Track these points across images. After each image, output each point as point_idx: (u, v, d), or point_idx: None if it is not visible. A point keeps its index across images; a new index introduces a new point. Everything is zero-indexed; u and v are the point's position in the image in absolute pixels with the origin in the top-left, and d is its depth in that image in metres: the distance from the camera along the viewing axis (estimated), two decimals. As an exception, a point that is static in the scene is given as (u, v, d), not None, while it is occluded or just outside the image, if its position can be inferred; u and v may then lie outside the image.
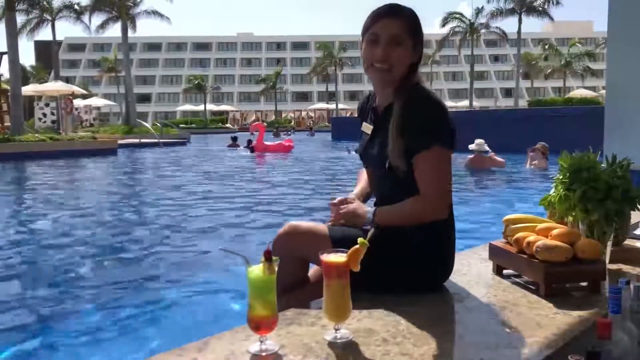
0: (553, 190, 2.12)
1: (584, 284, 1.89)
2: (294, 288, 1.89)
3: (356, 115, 2.11)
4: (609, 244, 2.08)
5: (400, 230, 1.83)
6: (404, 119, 1.76)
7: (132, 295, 3.63)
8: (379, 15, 1.79)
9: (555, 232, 1.88)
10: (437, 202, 1.77)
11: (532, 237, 1.88)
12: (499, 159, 11.28)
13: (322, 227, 1.88)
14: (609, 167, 2.10)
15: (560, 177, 2.08)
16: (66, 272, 4.25)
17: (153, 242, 5.31)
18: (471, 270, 2.17)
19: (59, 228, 6.15)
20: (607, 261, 2.07)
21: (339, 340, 1.47)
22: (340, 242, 1.82)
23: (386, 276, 1.82)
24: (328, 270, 1.47)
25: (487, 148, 11.15)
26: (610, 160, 2.11)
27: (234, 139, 22.41)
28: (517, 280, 2.02)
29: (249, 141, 19.47)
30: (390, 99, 1.85)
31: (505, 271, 2.08)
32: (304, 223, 1.91)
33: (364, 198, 2.06)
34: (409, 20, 1.81)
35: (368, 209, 1.87)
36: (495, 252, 2.10)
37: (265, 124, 23.52)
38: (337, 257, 1.48)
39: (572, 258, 1.83)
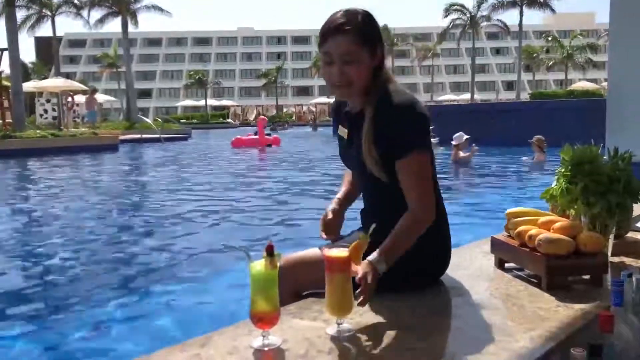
0: (555, 183, 2.12)
1: (586, 277, 1.89)
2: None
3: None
4: (611, 236, 2.08)
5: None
6: (375, 128, 1.72)
7: (135, 291, 3.64)
8: (327, 34, 1.71)
9: (557, 225, 1.88)
10: (427, 212, 1.72)
11: (534, 231, 1.88)
12: (463, 154, 10.98)
13: (314, 251, 1.84)
14: (611, 160, 2.09)
15: (563, 170, 2.08)
16: (69, 268, 4.26)
17: (154, 237, 5.32)
18: (473, 264, 2.17)
19: (61, 224, 6.16)
20: (609, 254, 2.07)
21: (341, 335, 1.47)
22: None
23: (383, 280, 1.81)
24: (330, 265, 1.48)
25: (460, 140, 10.85)
26: (612, 153, 2.11)
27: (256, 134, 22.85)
28: (519, 273, 2.02)
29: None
30: (361, 105, 1.81)
31: (507, 265, 2.08)
32: (294, 254, 1.87)
33: (348, 202, 2.03)
34: (359, 31, 1.69)
35: (376, 265, 1.61)
36: (497, 246, 2.10)
37: (264, 117, 23.80)
38: (339, 252, 1.48)
39: (574, 251, 1.83)
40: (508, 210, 2.13)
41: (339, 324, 1.49)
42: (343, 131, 1.90)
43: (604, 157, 2.11)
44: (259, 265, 1.39)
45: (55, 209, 7.26)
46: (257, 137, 19.71)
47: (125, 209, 7.20)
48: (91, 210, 7.00)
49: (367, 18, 1.73)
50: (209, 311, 3.13)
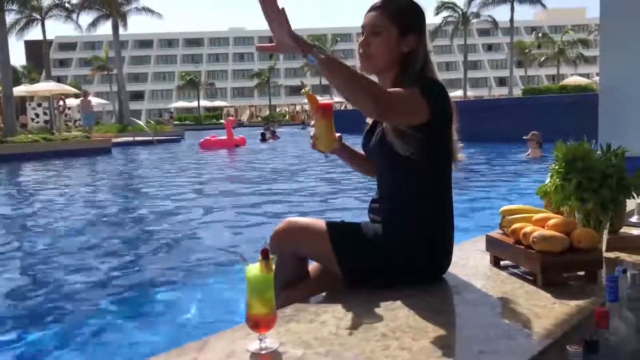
0: (549, 180, 2.13)
1: (581, 273, 1.89)
2: (292, 284, 1.89)
3: (356, 108, 2.09)
4: (605, 232, 2.09)
5: (396, 223, 1.84)
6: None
7: (130, 296, 3.62)
8: (369, 9, 1.88)
9: (551, 222, 1.88)
10: (387, 102, 1.63)
11: (528, 228, 1.88)
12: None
13: (320, 223, 1.87)
14: (604, 156, 2.10)
15: (556, 167, 2.08)
16: (63, 274, 4.24)
17: (149, 242, 5.30)
18: (469, 262, 2.17)
19: (54, 230, 6.13)
20: (603, 250, 2.08)
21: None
22: (339, 239, 1.82)
23: (383, 270, 1.83)
24: (315, 110, 1.83)
25: None
26: (605, 149, 2.11)
27: (263, 135, 23.83)
28: (515, 271, 2.02)
29: (263, 134, 22.68)
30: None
31: (502, 262, 2.09)
32: (302, 219, 1.90)
33: (356, 156, 2.09)
34: (392, 10, 1.82)
35: (304, 44, 1.57)
36: (492, 244, 2.11)
37: (232, 118, 24.51)
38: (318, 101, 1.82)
39: (569, 248, 1.83)
40: (502, 208, 2.14)
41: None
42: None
43: (598, 152, 2.12)
44: (254, 268, 1.39)
45: (47, 214, 7.22)
46: (225, 137, 20.01)
47: (118, 213, 7.17)
48: (84, 215, 6.98)
49: (410, 4, 1.85)
50: (205, 315, 3.12)
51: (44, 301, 3.60)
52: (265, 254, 1.37)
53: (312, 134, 1.88)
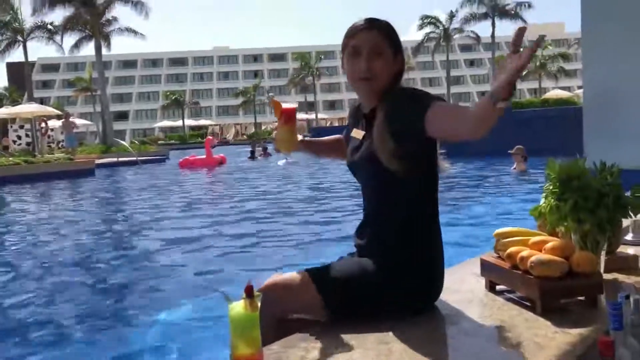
0: (543, 200, 2.06)
1: (581, 298, 1.82)
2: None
3: (342, 124, 2.08)
4: (603, 253, 2.02)
5: (383, 249, 1.78)
6: (386, 115, 1.74)
7: (100, 335, 3.39)
8: (358, 29, 1.81)
9: (548, 245, 1.81)
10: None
11: (525, 252, 1.81)
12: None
13: (302, 274, 1.76)
14: (599, 174, 2.04)
15: (551, 187, 2.02)
16: (43, 300, 4.10)
17: (125, 270, 5.06)
18: (463, 287, 2.09)
19: (34, 256, 5.96)
20: (601, 271, 2.01)
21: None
22: (323, 279, 1.73)
23: (373, 300, 1.74)
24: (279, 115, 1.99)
25: None
26: (600, 167, 2.06)
27: (259, 150, 23.66)
28: (511, 296, 1.94)
29: (252, 151, 22.73)
30: (375, 105, 1.83)
31: (498, 287, 2.01)
32: (283, 276, 1.77)
33: (321, 144, 2.23)
34: (387, 31, 1.82)
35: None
36: (487, 268, 2.03)
37: (212, 137, 24.53)
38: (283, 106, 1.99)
39: (568, 272, 1.76)
40: (496, 231, 2.06)
41: None
42: (358, 132, 1.91)
43: (589, 166, 2.06)
44: (238, 307, 1.30)
45: (27, 240, 7.04)
46: (204, 157, 19.90)
47: (100, 238, 6.97)
48: (65, 239, 6.80)
49: (391, 25, 1.85)
50: (186, 356, 2.92)
51: (26, 328, 3.47)
52: (249, 292, 1.28)
53: (275, 137, 2.04)
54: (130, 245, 6.48)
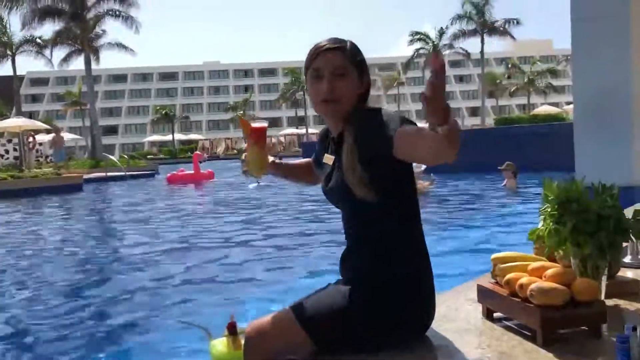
0: (541, 223, 1.98)
1: (584, 327, 1.73)
2: None
3: (317, 149, 1.99)
4: (604, 278, 1.94)
5: (368, 279, 1.69)
6: (355, 139, 1.66)
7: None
8: (319, 50, 1.74)
9: (549, 272, 1.73)
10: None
11: (524, 279, 1.73)
12: (421, 184, 10.61)
13: (285, 311, 1.67)
14: (598, 196, 1.97)
15: (549, 209, 1.94)
16: (25, 317, 4.02)
17: (108, 290, 4.89)
18: (459, 315, 2.00)
19: (18, 273, 5.80)
20: (602, 297, 1.93)
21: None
22: (310, 320, 1.63)
23: (361, 330, 1.65)
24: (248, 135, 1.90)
25: (416, 170, 10.56)
26: (600, 189, 1.98)
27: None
28: (510, 324, 1.85)
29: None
30: (341, 129, 1.76)
31: (495, 314, 1.92)
32: (265, 318, 1.65)
33: (291, 168, 2.11)
34: (350, 51, 1.74)
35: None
36: (484, 295, 1.94)
37: (200, 153, 24.20)
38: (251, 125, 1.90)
39: (570, 300, 1.68)
40: (494, 255, 1.98)
41: None
42: (329, 158, 1.82)
43: (585, 185, 1.99)
44: (220, 344, 1.20)
45: (11, 256, 6.87)
46: (192, 172, 19.73)
47: (86, 255, 6.82)
48: (51, 256, 6.64)
49: (355, 45, 1.79)
50: None
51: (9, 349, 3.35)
52: (232, 328, 1.18)
53: (244, 158, 1.94)
54: (108, 268, 6.10)
